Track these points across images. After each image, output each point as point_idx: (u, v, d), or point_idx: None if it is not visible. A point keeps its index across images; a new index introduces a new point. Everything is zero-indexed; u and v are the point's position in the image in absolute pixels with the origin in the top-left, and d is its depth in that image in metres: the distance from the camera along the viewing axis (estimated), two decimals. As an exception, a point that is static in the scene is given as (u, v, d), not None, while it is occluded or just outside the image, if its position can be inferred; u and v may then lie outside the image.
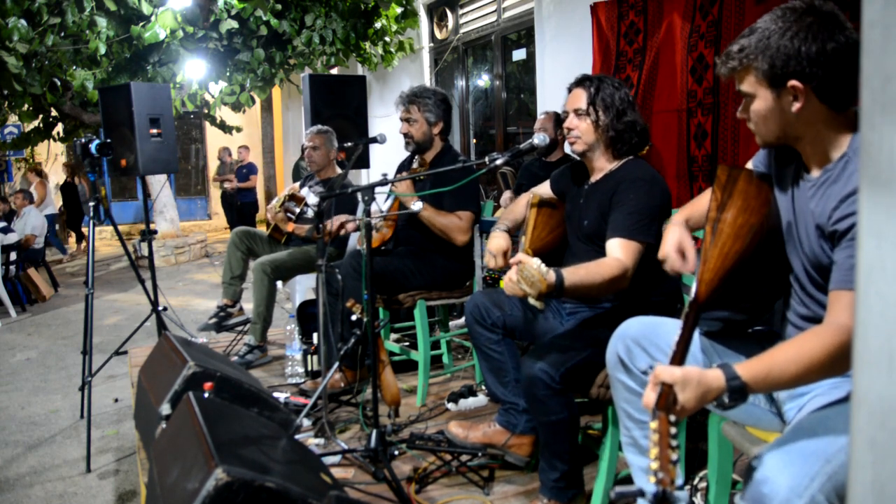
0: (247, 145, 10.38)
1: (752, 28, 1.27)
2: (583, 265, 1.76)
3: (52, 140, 8.28)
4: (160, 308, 3.49)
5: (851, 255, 1.18)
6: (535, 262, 1.59)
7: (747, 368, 1.13)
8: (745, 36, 1.27)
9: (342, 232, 3.08)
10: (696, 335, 1.54)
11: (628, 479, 1.76)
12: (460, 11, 6.20)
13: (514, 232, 2.25)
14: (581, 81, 2.02)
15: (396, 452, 2.29)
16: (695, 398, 1.10)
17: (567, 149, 3.88)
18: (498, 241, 2.12)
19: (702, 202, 1.63)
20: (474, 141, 6.47)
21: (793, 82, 1.20)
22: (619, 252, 1.83)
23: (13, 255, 6.56)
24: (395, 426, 2.54)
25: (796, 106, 1.22)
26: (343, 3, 6.39)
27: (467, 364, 3.26)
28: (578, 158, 2.11)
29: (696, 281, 1.31)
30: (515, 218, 2.26)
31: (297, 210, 3.60)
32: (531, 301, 1.61)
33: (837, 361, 1.13)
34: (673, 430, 1.01)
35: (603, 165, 2.04)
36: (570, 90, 2.05)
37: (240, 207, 9.63)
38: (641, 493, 0.96)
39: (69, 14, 5.16)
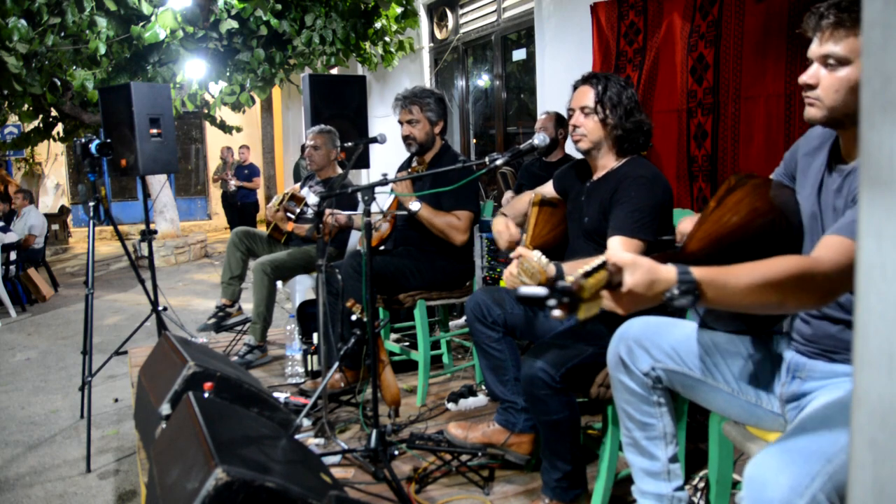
0: (247, 145, 10.35)
1: None
2: (583, 261, 1.76)
3: (52, 140, 8.26)
4: (160, 308, 3.49)
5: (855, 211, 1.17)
6: (536, 255, 1.60)
7: (702, 269, 1.10)
8: None
9: (329, 220, 3.08)
10: (696, 330, 1.54)
11: (629, 480, 1.76)
12: (460, 11, 6.20)
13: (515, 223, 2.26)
14: (588, 79, 2.02)
15: (396, 452, 2.29)
16: (643, 283, 1.07)
17: (567, 149, 3.88)
18: (498, 221, 2.17)
19: None
20: (474, 141, 6.46)
21: None
22: (619, 250, 1.83)
23: (13, 255, 6.56)
24: (395, 426, 2.54)
25: None
26: (343, 3, 6.38)
27: (467, 364, 3.26)
28: (578, 158, 2.11)
29: (688, 236, 1.30)
30: (517, 213, 2.27)
31: (297, 210, 3.60)
32: None
33: (794, 285, 1.08)
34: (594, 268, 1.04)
35: (606, 163, 2.04)
36: (575, 87, 2.05)
37: (241, 207, 9.61)
38: (547, 296, 0.97)
39: (69, 14, 5.16)
